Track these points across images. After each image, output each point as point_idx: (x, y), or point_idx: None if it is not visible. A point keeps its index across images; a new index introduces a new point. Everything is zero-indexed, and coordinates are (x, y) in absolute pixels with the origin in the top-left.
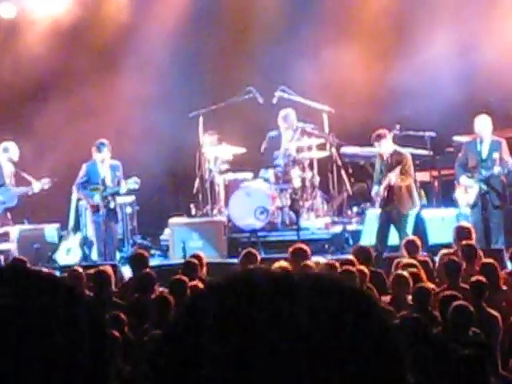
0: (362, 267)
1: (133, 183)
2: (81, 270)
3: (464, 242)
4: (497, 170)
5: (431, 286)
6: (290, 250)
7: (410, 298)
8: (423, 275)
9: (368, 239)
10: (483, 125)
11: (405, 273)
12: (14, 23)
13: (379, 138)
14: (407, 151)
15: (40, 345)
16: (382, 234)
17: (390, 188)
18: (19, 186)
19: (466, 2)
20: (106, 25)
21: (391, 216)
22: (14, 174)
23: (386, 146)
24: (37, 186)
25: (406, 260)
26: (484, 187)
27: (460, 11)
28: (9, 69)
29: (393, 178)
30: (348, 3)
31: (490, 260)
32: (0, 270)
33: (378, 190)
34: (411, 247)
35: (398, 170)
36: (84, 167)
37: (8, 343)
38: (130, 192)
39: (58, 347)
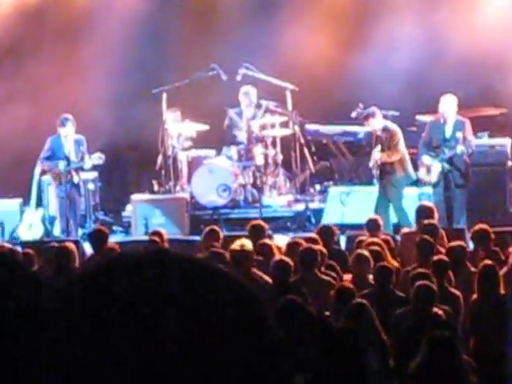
0: (321, 247)
1: (97, 158)
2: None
3: (426, 222)
4: (460, 149)
5: (395, 264)
6: (248, 226)
7: (371, 277)
8: (386, 254)
9: (330, 217)
10: (448, 104)
11: (365, 252)
12: None
13: (367, 117)
14: (396, 127)
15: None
16: (379, 210)
17: (382, 164)
18: None
19: None
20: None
21: (386, 192)
22: None
23: (375, 124)
24: None
25: (369, 239)
26: (447, 166)
27: None
28: None
29: (377, 155)
30: None
31: (459, 243)
32: None
33: (373, 165)
34: (373, 226)
35: (378, 147)
36: (48, 141)
37: None
38: (93, 167)
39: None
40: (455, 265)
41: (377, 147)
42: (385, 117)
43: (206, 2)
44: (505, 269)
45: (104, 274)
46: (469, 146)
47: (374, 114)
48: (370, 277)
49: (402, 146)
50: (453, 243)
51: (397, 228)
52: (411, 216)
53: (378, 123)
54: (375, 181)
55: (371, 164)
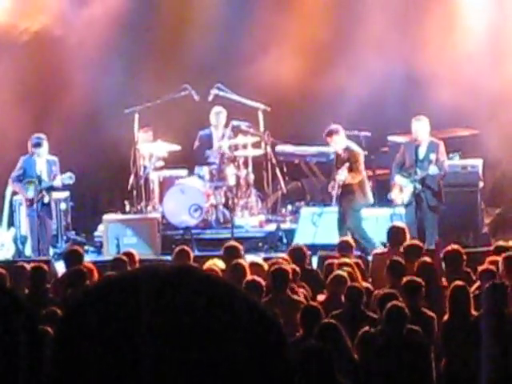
0: (294, 266)
1: (67, 178)
2: (27, 266)
3: (409, 242)
4: (432, 169)
5: (366, 285)
6: (224, 247)
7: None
8: (358, 275)
9: (302, 238)
10: (420, 127)
11: (343, 273)
12: None
13: (331, 133)
14: (358, 148)
15: None
16: (340, 232)
17: (342, 185)
18: None
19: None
20: (44, 24)
21: (345, 213)
22: None
23: (337, 142)
24: None
25: (341, 260)
26: (419, 187)
27: (399, 18)
28: None
29: (342, 176)
30: (286, 5)
31: (427, 259)
32: None
33: (332, 185)
34: (344, 247)
35: (345, 167)
36: (20, 160)
37: None
38: (64, 187)
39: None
40: (427, 281)
41: (343, 167)
42: (357, 137)
43: (179, 20)
44: (474, 288)
45: (130, 286)
46: (442, 167)
47: (337, 131)
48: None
49: (362, 167)
50: (422, 259)
51: (367, 249)
52: (381, 236)
53: (340, 141)
54: (334, 202)
55: (332, 185)
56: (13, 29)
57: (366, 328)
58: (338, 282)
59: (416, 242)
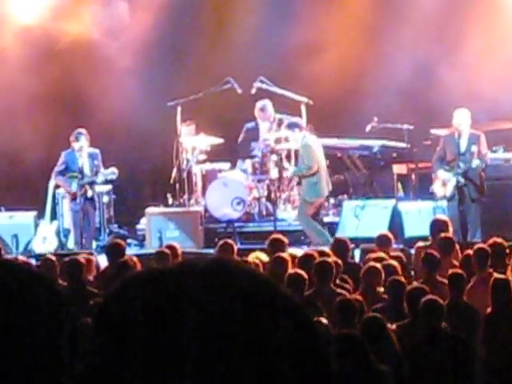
0: (337, 259)
1: (111, 174)
2: (54, 258)
3: (442, 235)
4: (475, 163)
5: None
6: (268, 240)
7: (381, 289)
8: (398, 268)
9: (344, 231)
10: (462, 118)
11: (377, 264)
12: None
13: (290, 126)
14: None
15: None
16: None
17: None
18: None
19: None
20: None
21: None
22: None
23: (295, 136)
24: None
25: (377, 254)
26: (462, 180)
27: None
28: None
29: (290, 170)
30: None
31: (471, 252)
32: None
33: None
34: (383, 241)
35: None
36: (62, 155)
37: None
38: (107, 181)
39: (35, 344)
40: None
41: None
42: (399, 130)
43: (221, 15)
44: None
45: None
46: (484, 159)
47: (291, 127)
48: (380, 289)
49: (314, 160)
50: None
51: (410, 241)
52: (424, 229)
53: (296, 136)
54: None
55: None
56: (54, 32)
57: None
58: (370, 274)
59: (448, 234)
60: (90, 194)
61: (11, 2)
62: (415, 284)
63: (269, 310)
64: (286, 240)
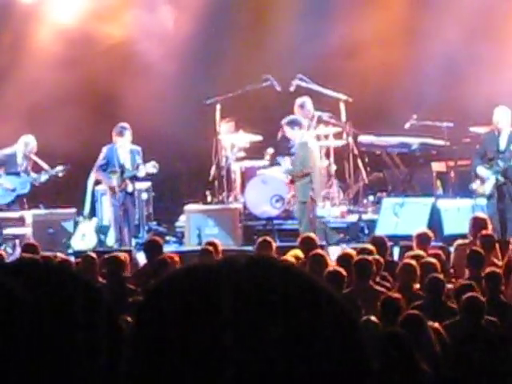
0: (378, 257)
1: (151, 167)
2: (94, 255)
3: (483, 232)
4: None
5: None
6: (299, 239)
7: (417, 286)
8: (437, 266)
9: (383, 228)
10: (502, 116)
11: (413, 261)
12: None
13: (287, 124)
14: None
15: (57, 343)
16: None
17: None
18: (33, 173)
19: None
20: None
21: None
22: (28, 161)
23: (290, 134)
24: (49, 173)
25: (415, 252)
26: (501, 179)
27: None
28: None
29: (283, 168)
30: None
31: None
32: (17, 261)
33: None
34: (422, 239)
35: (290, 160)
36: (104, 150)
37: (21, 341)
38: (147, 177)
39: (76, 346)
40: None
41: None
42: (439, 128)
43: (258, 13)
44: None
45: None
46: None
47: (290, 124)
48: (416, 286)
49: (308, 161)
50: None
51: (449, 239)
52: (463, 227)
53: (291, 134)
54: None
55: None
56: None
57: (449, 320)
58: (406, 271)
59: (489, 232)
60: (130, 188)
61: (52, 2)
62: (463, 281)
63: (311, 307)
64: (315, 237)
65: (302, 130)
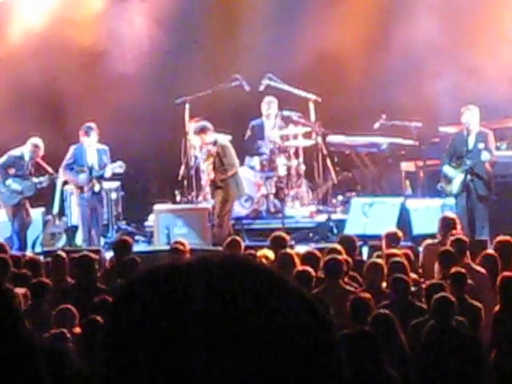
0: (346, 256)
1: (118, 167)
2: (63, 254)
3: (455, 234)
4: (484, 156)
5: (414, 276)
6: (270, 238)
7: (384, 285)
8: (407, 265)
9: (352, 228)
10: (470, 115)
11: (379, 260)
12: None
13: (200, 131)
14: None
15: None
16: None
17: (214, 182)
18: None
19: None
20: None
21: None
22: (32, 163)
23: (207, 139)
24: (52, 177)
25: (390, 250)
26: (468, 176)
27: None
28: None
29: (211, 175)
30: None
31: (490, 251)
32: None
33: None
34: (391, 239)
35: (210, 163)
36: (71, 149)
37: None
38: (115, 177)
39: None
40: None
41: (209, 163)
42: (408, 128)
43: (229, 12)
44: None
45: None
46: (492, 154)
47: (204, 130)
48: (383, 285)
49: (235, 160)
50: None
51: (418, 239)
52: (432, 227)
53: (208, 138)
54: (209, 197)
55: (204, 183)
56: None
57: (417, 320)
58: (372, 270)
59: (461, 235)
60: (97, 188)
61: (22, 5)
62: (434, 280)
63: (282, 307)
64: (287, 237)
65: (210, 132)
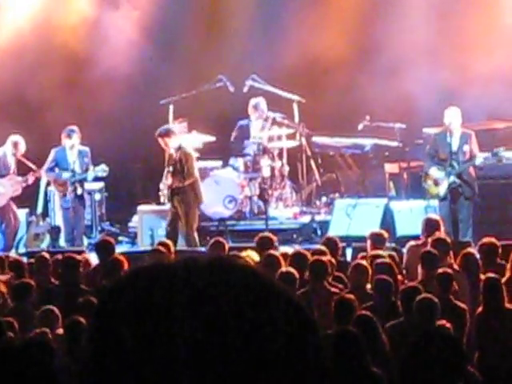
0: (331, 257)
1: (101, 171)
2: (47, 255)
3: (437, 235)
4: (479, 160)
5: (399, 278)
6: (256, 238)
7: (368, 286)
8: (394, 267)
9: (336, 229)
10: (453, 117)
11: (363, 262)
12: None
13: (165, 135)
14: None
15: None
16: (170, 229)
17: (173, 188)
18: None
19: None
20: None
21: (177, 214)
22: (15, 162)
23: (170, 143)
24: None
25: (374, 252)
26: (456, 180)
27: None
28: None
29: (169, 180)
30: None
31: (471, 250)
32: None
33: (163, 187)
34: (376, 240)
35: (171, 169)
36: (52, 152)
37: None
38: (98, 179)
39: None
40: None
41: (169, 168)
42: (392, 129)
43: (214, 12)
44: (505, 280)
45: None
46: (478, 158)
47: (170, 133)
48: (368, 287)
49: (195, 169)
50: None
51: (402, 240)
52: (416, 228)
53: (173, 142)
54: (166, 201)
55: (162, 186)
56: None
57: (397, 320)
58: (357, 271)
59: (442, 235)
60: (79, 191)
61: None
62: (410, 283)
63: (267, 307)
64: (274, 238)
65: (174, 137)
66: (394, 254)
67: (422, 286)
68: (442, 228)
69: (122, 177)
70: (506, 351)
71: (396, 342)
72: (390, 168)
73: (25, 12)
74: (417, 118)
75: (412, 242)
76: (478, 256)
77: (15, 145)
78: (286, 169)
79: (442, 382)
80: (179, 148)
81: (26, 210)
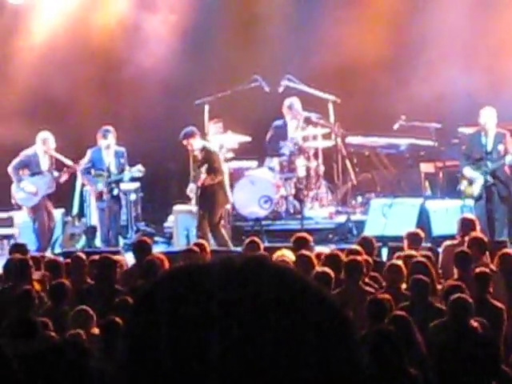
0: (367, 257)
1: (136, 172)
2: (83, 255)
3: (473, 235)
4: (508, 159)
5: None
6: (293, 238)
7: (404, 286)
8: (428, 266)
9: (372, 229)
10: (488, 116)
11: (399, 262)
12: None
13: (188, 136)
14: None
15: None
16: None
17: (203, 187)
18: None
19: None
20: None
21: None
22: (50, 159)
23: (194, 144)
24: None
25: (407, 252)
26: (490, 180)
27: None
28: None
29: (202, 177)
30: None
31: (508, 251)
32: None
33: (191, 188)
34: (413, 239)
35: (203, 169)
36: (88, 153)
37: None
38: (134, 179)
39: None
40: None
41: (202, 169)
42: (427, 129)
43: (248, 13)
44: None
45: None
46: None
47: (192, 134)
48: (403, 287)
49: (222, 167)
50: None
51: (437, 240)
52: (451, 228)
53: (197, 143)
54: (194, 202)
55: (191, 187)
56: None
57: (436, 321)
58: (392, 271)
59: (479, 234)
60: (115, 192)
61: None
62: (451, 282)
63: (304, 307)
64: (310, 238)
65: (197, 138)
66: (429, 253)
67: (449, 286)
68: (478, 228)
69: (158, 177)
70: None
71: (440, 342)
72: (426, 167)
73: (60, 13)
74: (452, 118)
75: (448, 242)
76: None
77: (44, 142)
78: (322, 169)
79: (477, 381)
80: (203, 148)
81: (62, 210)
